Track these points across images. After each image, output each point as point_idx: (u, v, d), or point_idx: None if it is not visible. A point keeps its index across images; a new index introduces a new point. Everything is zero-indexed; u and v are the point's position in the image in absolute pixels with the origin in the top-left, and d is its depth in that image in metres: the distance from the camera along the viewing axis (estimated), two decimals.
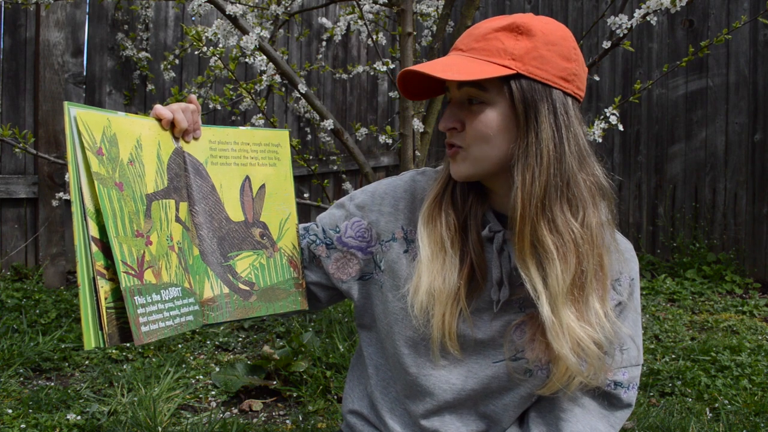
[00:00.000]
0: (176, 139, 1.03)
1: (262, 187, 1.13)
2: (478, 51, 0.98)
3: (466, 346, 1.07)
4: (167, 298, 0.95)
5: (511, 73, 0.95)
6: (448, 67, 0.96)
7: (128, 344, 2.75)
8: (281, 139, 1.16)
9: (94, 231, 0.88)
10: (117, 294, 0.88)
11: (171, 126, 1.02)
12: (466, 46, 1.00)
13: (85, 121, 0.89)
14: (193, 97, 1.06)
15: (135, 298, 0.89)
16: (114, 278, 0.88)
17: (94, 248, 0.87)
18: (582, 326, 0.98)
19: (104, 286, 0.87)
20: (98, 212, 0.88)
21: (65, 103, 0.89)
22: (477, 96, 0.98)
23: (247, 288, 1.08)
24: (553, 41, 0.97)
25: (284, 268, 1.13)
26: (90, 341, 0.86)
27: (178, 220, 1.01)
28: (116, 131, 0.93)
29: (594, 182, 1.00)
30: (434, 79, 1.04)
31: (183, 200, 1.03)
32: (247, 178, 1.11)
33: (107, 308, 0.87)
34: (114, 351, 2.67)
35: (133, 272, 0.90)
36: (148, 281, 0.92)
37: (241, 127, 1.12)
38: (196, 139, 1.05)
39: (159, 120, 1.00)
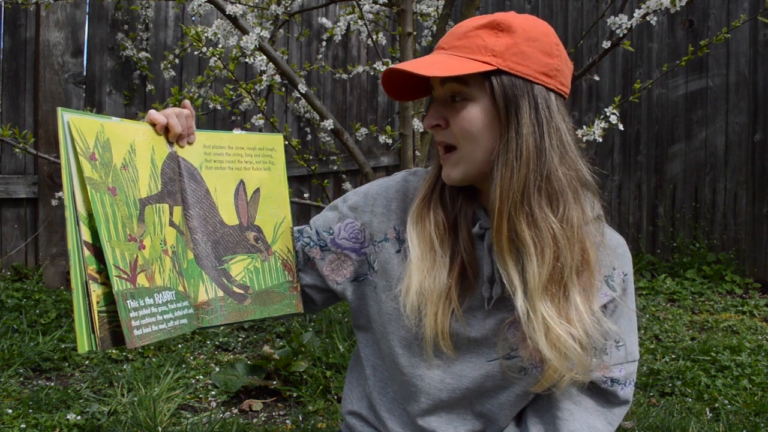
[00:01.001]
0: (170, 143, 1.04)
1: (257, 191, 1.13)
2: (459, 48, 0.99)
3: (459, 345, 1.07)
4: (160, 302, 0.95)
5: (491, 69, 0.96)
6: (428, 65, 0.97)
7: (120, 348, 2.75)
8: (275, 143, 1.16)
9: (86, 235, 0.89)
10: (109, 298, 0.89)
11: (165, 131, 1.02)
12: (448, 44, 1.01)
13: (78, 127, 0.90)
14: (188, 102, 1.07)
15: (127, 301, 0.90)
16: (106, 282, 0.89)
17: (87, 252, 0.88)
18: (561, 323, 0.97)
19: (96, 290, 0.88)
20: (91, 216, 0.89)
21: (59, 108, 0.90)
22: (460, 92, 0.99)
23: (242, 291, 1.09)
24: (533, 37, 0.98)
25: (279, 272, 1.13)
26: (83, 345, 0.87)
27: (172, 224, 1.02)
28: (109, 136, 0.94)
29: (576, 177, 1.00)
30: (421, 79, 1.04)
31: (177, 204, 1.03)
32: (242, 182, 1.12)
33: (99, 312, 0.88)
34: (114, 351, 2.67)
35: (125, 276, 0.90)
36: (140, 285, 0.92)
37: (235, 131, 1.13)
38: (190, 143, 1.06)
39: (153, 125, 1.01)
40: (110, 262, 0.89)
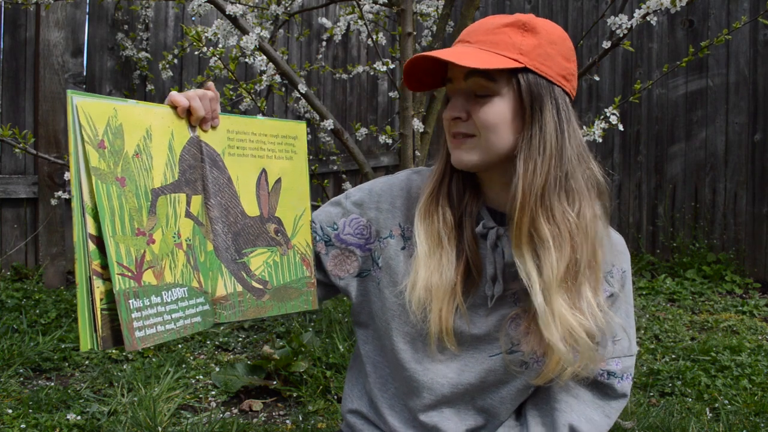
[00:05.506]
0: (193, 127, 0.99)
1: (278, 180, 1.09)
2: (487, 44, 1.00)
3: (462, 341, 1.08)
4: (169, 300, 0.91)
5: (520, 66, 0.98)
6: (463, 56, 0.98)
7: (121, 348, 2.75)
8: (298, 131, 1.11)
9: (92, 228, 0.84)
10: (113, 295, 0.85)
11: (187, 114, 0.98)
12: (473, 38, 1.02)
13: (87, 112, 0.84)
14: (211, 84, 1.03)
15: (130, 301, 0.86)
16: (111, 279, 0.85)
17: (92, 246, 0.84)
18: (574, 314, 1.00)
19: (100, 287, 0.84)
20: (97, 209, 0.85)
21: (68, 91, 0.84)
22: (485, 87, 1.01)
23: (261, 286, 1.05)
24: (554, 40, 1.01)
25: (297, 267, 1.10)
26: (85, 343, 0.83)
27: (188, 215, 0.97)
28: (123, 121, 0.88)
29: (590, 176, 1.04)
30: (435, 71, 1.05)
31: (197, 193, 0.98)
32: (264, 170, 1.07)
33: (102, 310, 0.84)
34: (114, 351, 2.67)
35: (129, 274, 0.86)
36: (147, 283, 0.88)
37: (258, 117, 1.08)
38: (214, 128, 1.01)
39: (174, 107, 0.96)
40: (113, 259, 0.84)
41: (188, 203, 0.97)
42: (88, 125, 0.84)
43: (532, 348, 1.05)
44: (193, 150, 0.98)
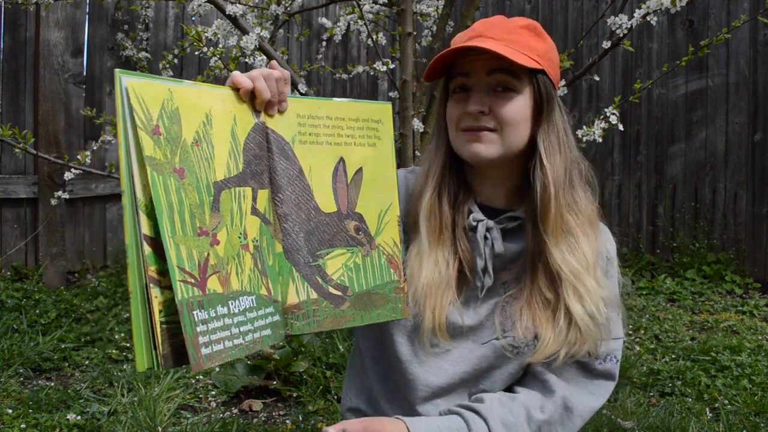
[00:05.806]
0: (257, 112, 0.87)
1: (359, 171, 0.97)
2: (513, 42, 1.04)
3: (455, 333, 1.11)
4: (237, 311, 0.79)
5: (540, 67, 1.05)
6: (505, 50, 1.01)
7: (131, 350, 2.75)
8: (383, 114, 0.98)
9: (146, 228, 0.72)
10: (174, 305, 0.73)
11: (251, 97, 0.87)
12: (497, 36, 1.05)
13: (139, 94, 0.73)
14: (275, 63, 0.93)
15: (194, 312, 0.74)
16: (171, 286, 0.73)
17: (147, 249, 0.72)
18: (601, 288, 1.07)
19: (158, 297, 0.72)
20: (153, 205, 0.73)
21: (116, 71, 0.73)
22: (508, 83, 1.05)
23: (339, 293, 0.93)
24: (554, 48, 1.10)
25: (383, 269, 0.98)
26: (143, 362, 0.72)
27: (254, 211, 0.85)
28: (179, 105, 0.77)
29: (584, 171, 1.12)
30: (445, 62, 1.07)
31: (263, 187, 0.86)
32: (342, 160, 0.95)
33: (161, 323, 0.72)
34: (114, 351, 2.67)
35: (192, 281, 0.75)
36: (212, 291, 0.77)
37: (335, 99, 0.96)
38: (281, 112, 0.91)
39: (236, 90, 0.86)
40: (173, 263, 0.72)
41: (254, 198, 0.85)
42: (140, 109, 0.73)
43: (523, 333, 1.09)
44: (258, 138, 0.86)
